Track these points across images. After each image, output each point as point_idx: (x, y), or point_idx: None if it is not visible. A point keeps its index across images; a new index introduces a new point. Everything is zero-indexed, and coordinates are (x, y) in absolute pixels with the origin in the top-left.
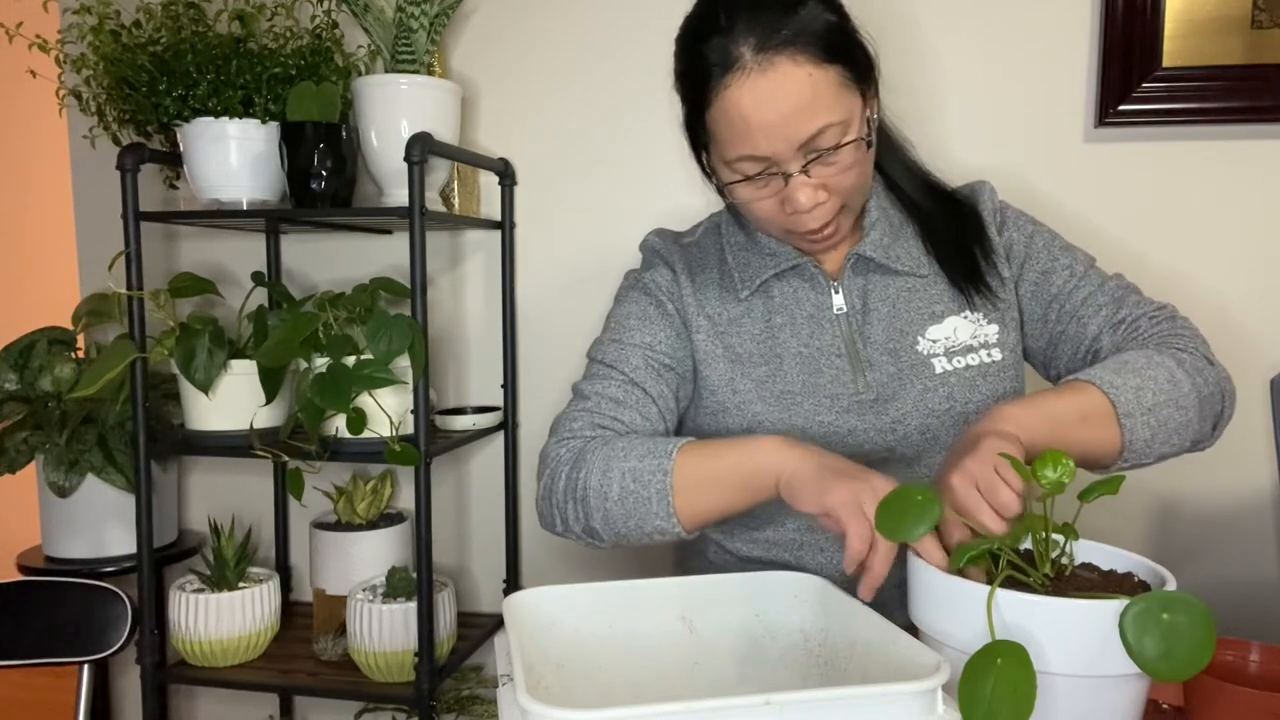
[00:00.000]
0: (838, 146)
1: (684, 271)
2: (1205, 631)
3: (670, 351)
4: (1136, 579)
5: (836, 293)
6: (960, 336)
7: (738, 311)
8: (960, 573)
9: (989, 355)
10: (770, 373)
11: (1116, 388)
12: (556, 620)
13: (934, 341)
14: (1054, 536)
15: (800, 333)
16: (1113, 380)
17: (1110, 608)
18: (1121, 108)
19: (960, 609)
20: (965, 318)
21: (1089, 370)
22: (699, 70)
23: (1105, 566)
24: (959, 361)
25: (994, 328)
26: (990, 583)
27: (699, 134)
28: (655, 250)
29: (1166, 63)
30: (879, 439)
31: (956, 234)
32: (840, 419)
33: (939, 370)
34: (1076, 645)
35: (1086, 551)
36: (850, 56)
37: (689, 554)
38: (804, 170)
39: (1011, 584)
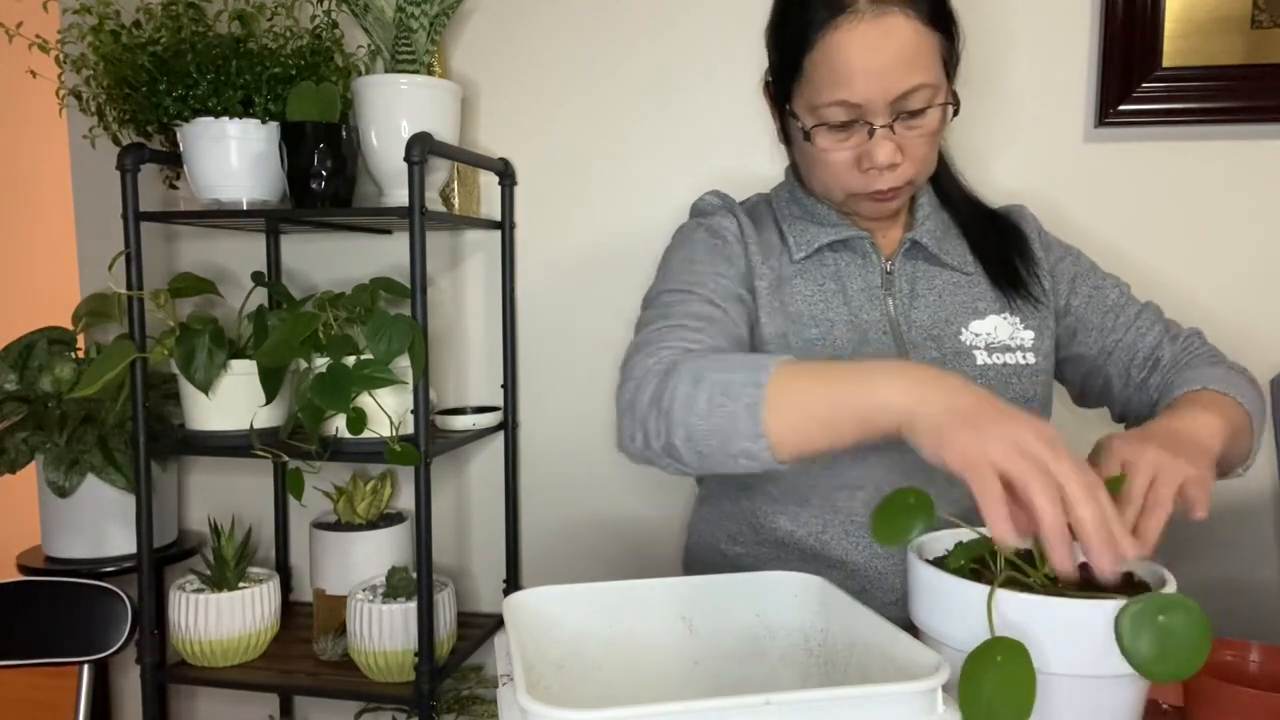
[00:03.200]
0: (925, 109)
1: (746, 226)
2: (1200, 634)
3: (743, 285)
4: (1136, 579)
5: (888, 273)
6: (1000, 335)
7: (792, 272)
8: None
9: (1024, 358)
10: (822, 335)
11: (1251, 402)
12: (556, 620)
13: (976, 335)
14: None
15: (851, 303)
16: (1248, 394)
17: (1110, 608)
18: (1121, 108)
19: (960, 609)
20: (1005, 318)
21: (1217, 381)
22: (808, 12)
23: None
24: (998, 358)
25: (1030, 333)
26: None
27: (789, 79)
28: (715, 206)
29: (1166, 63)
30: None
31: (998, 243)
32: None
33: (980, 362)
34: (1076, 645)
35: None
36: (949, 32)
37: (699, 544)
38: (890, 126)
39: (1011, 584)
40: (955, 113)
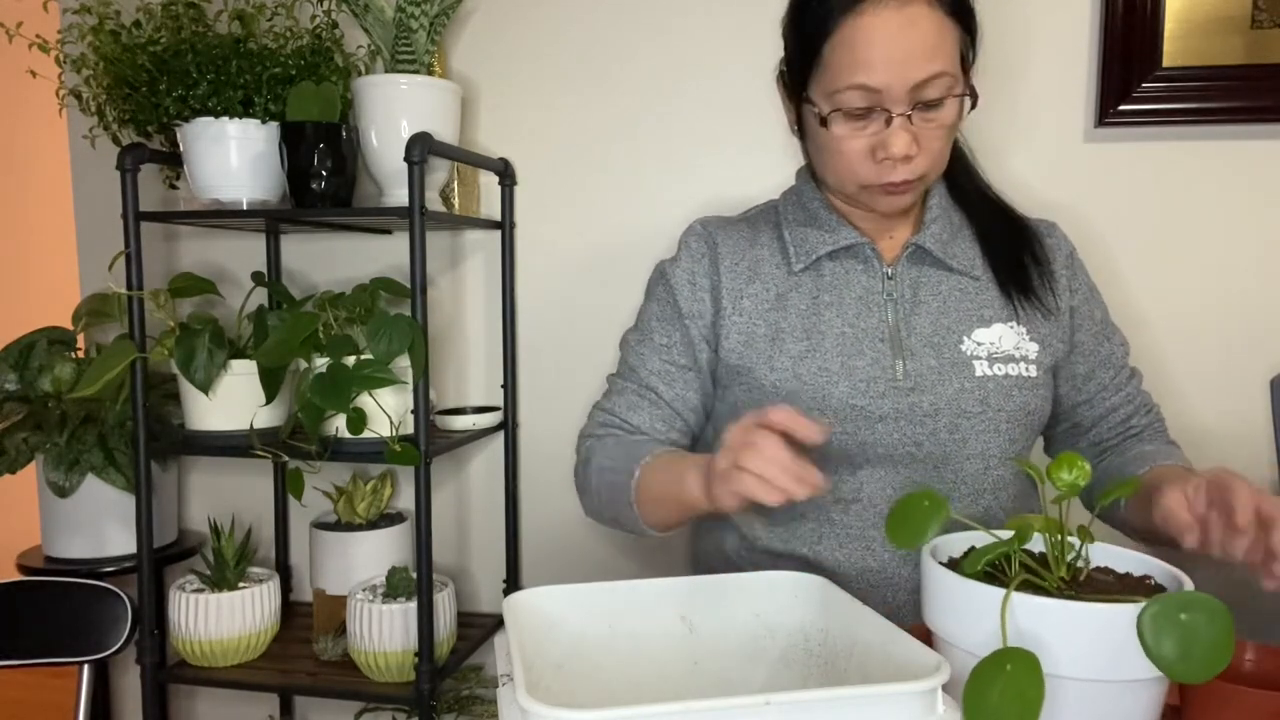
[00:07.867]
0: (943, 100)
1: (727, 255)
2: (1224, 632)
3: (687, 351)
4: (1153, 582)
5: (889, 278)
6: (1005, 345)
7: (787, 286)
8: None
9: (1026, 369)
10: (809, 349)
11: None
12: (556, 620)
13: (979, 344)
14: (1069, 539)
15: (846, 313)
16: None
17: (1127, 611)
18: (1121, 108)
19: (974, 612)
20: (1012, 327)
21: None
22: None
23: (1121, 569)
24: (999, 369)
25: (1035, 346)
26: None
27: (807, 66)
28: (688, 241)
29: (1166, 63)
30: (909, 430)
31: (1013, 247)
32: (874, 403)
33: (979, 373)
34: (1093, 649)
35: (1102, 555)
36: (970, 26)
37: (706, 548)
38: (907, 115)
39: (1027, 587)
40: (974, 105)
